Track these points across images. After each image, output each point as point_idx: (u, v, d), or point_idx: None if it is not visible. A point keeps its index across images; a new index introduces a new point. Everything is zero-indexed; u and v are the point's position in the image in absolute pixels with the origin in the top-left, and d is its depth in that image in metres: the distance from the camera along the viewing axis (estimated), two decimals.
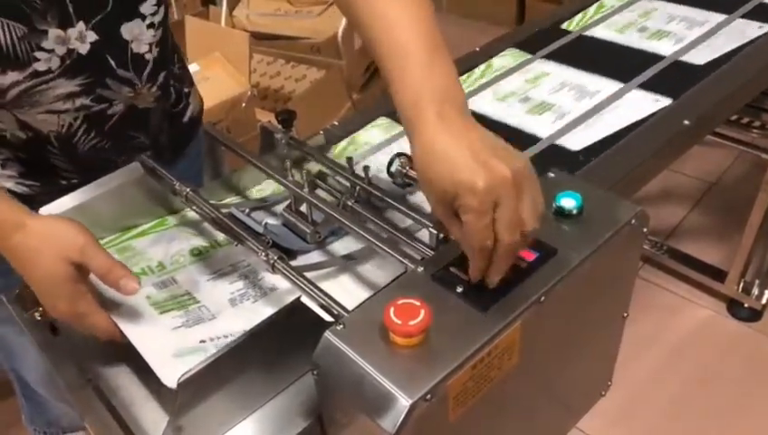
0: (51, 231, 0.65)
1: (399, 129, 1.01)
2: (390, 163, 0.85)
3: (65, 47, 0.74)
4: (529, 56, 1.16)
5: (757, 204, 1.65)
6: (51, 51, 0.73)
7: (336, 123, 1.06)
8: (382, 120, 1.04)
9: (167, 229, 0.83)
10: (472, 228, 0.53)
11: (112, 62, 0.79)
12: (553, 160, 0.81)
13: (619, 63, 1.10)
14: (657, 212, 2.13)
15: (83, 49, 0.75)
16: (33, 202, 0.83)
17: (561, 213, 0.65)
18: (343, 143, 1.00)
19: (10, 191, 0.83)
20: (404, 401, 0.50)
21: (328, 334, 0.56)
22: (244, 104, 1.88)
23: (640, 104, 1.00)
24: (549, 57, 1.15)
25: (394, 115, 1.03)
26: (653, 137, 0.94)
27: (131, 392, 0.68)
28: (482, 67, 1.15)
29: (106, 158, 0.85)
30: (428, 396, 0.51)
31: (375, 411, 0.52)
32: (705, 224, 2.10)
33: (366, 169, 0.80)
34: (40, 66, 0.74)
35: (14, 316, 0.77)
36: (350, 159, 0.83)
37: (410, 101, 0.57)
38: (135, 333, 0.67)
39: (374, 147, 0.99)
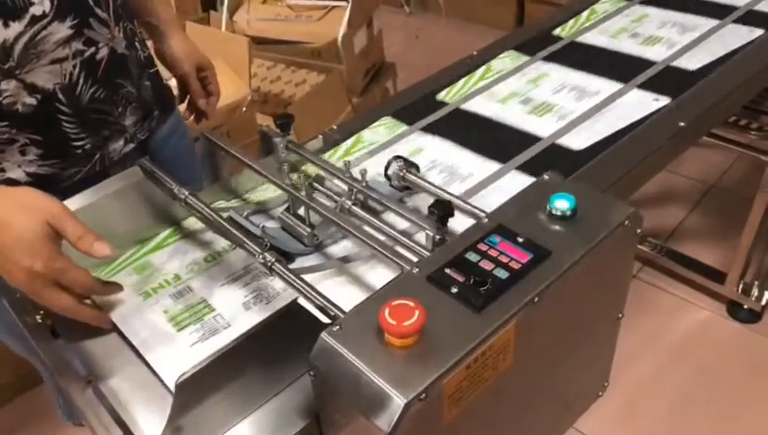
0: (25, 196, 0.68)
1: (403, 128, 1.03)
2: (387, 166, 0.86)
3: None
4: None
5: (756, 205, 1.66)
6: None
7: (335, 127, 1.07)
8: (386, 120, 1.05)
9: (182, 239, 0.85)
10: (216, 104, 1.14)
11: (90, 1, 0.86)
12: None
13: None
14: (657, 214, 2.14)
15: None
16: (58, 183, 0.89)
17: (555, 215, 0.66)
18: (348, 143, 1.01)
19: (35, 175, 0.88)
20: (399, 401, 0.51)
21: (324, 335, 0.57)
22: (244, 109, 1.88)
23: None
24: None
25: (398, 115, 1.07)
26: (648, 139, 0.95)
27: (131, 394, 0.68)
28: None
29: (105, 111, 0.92)
30: (423, 396, 0.52)
31: (371, 411, 0.52)
32: (705, 225, 2.10)
33: (363, 172, 0.81)
34: (36, 10, 0.80)
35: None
36: (347, 163, 0.83)
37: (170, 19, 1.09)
38: (155, 358, 0.69)
39: (379, 146, 1.00)
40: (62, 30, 0.82)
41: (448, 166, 0.94)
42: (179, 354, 0.69)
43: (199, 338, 0.71)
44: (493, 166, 0.94)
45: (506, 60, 1.20)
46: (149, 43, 1.09)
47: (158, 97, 1.05)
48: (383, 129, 1.04)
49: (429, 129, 1.03)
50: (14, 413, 1.74)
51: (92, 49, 0.87)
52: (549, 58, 1.19)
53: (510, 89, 1.11)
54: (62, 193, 0.81)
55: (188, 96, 1.13)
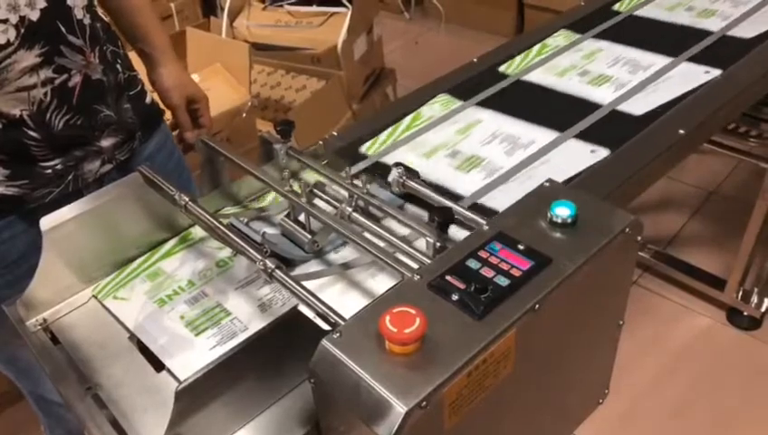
0: None
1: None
2: (388, 173, 0.86)
3: (17, 15, 0.78)
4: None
5: (756, 212, 1.66)
6: (5, 21, 0.77)
7: (335, 133, 1.07)
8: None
9: (192, 245, 0.85)
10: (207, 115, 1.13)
11: (62, 28, 0.83)
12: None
13: None
14: (657, 220, 2.14)
15: (34, 15, 0.79)
16: (28, 203, 0.87)
17: (556, 222, 0.65)
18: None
19: (3, 196, 0.86)
20: (399, 409, 0.51)
21: (325, 343, 0.57)
22: (244, 114, 1.88)
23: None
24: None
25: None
26: (648, 146, 0.95)
27: (131, 401, 0.68)
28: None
29: (81, 135, 0.90)
30: (424, 403, 0.52)
31: (371, 419, 0.52)
32: (705, 232, 2.10)
33: (364, 178, 0.81)
34: None
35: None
36: (348, 169, 0.83)
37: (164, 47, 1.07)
38: (175, 363, 0.70)
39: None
40: (28, 58, 0.80)
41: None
42: (200, 358, 0.69)
43: (218, 342, 0.71)
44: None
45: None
46: (143, 69, 1.07)
47: (141, 118, 1.01)
48: (438, 105, 1.01)
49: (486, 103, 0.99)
50: (16, 418, 1.74)
51: (64, 76, 0.84)
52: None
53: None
54: (34, 213, 0.80)
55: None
